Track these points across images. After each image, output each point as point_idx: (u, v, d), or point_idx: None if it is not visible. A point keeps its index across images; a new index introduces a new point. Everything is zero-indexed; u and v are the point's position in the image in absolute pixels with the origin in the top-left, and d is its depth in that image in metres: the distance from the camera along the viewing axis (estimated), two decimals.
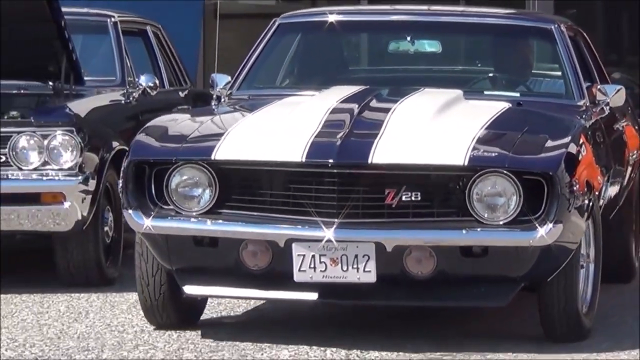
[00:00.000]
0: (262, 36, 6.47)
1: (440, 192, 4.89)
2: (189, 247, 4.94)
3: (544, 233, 4.61)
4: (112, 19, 7.50)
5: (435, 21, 6.86)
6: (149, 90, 7.11)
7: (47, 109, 6.88)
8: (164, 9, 10.26)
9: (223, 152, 4.83)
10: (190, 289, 4.94)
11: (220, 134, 5.07)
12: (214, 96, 6.10)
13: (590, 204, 5.12)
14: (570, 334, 5.05)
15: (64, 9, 6.81)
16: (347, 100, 5.49)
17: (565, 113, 5.83)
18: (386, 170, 4.77)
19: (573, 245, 4.87)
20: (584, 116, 5.87)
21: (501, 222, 4.68)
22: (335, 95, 5.63)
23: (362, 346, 4.88)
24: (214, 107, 6.08)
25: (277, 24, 6.46)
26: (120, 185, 5.07)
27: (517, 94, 6.16)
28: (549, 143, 4.95)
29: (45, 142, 6.35)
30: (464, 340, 5.09)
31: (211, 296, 5.15)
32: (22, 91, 7.15)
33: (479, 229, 4.69)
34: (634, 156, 6.91)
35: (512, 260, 4.74)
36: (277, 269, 4.83)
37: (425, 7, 6.96)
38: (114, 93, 7.18)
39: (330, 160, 4.70)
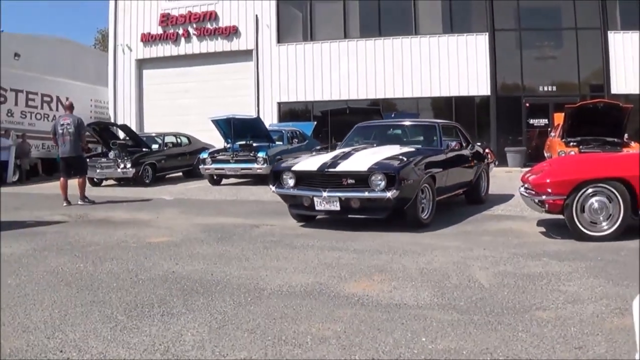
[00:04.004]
0: (352, 129, 15.34)
1: (360, 180, 12.41)
2: (289, 197, 13.45)
3: (390, 194, 12.11)
4: None
5: (400, 124, 15.82)
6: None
7: None
8: None
9: (295, 167, 13.25)
10: (291, 212, 13.58)
11: (299, 162, 13.62)
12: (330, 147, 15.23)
13: (424, 182, 12.75)
14: (416, 226, 12.60)
15: None
16: (351, 149, 13.80)
17: (433, 152, 13.64)
18: (341, 173, 12.63)
19: (411, 195, 12.47)
20: (440, 153, 13.68)
21: (377, 190, 12.24)
22: (349, 147, 14.01)
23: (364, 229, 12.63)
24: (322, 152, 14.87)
25: (355, 126, 15.34)
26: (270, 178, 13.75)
27: (420, 145, 14.20)
28: (401, 162, 12.61)
29: None
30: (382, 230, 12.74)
31: (298, 214, 13.56)
32: None
33: (371, 192, 12.30)
34: (474, 165, 14.97)
35: (385, 202, 12.38)
36: (312, 205, 12.82)
37: (398, 119, 16.85)
38: None
39: (324, 170, 12.73)
